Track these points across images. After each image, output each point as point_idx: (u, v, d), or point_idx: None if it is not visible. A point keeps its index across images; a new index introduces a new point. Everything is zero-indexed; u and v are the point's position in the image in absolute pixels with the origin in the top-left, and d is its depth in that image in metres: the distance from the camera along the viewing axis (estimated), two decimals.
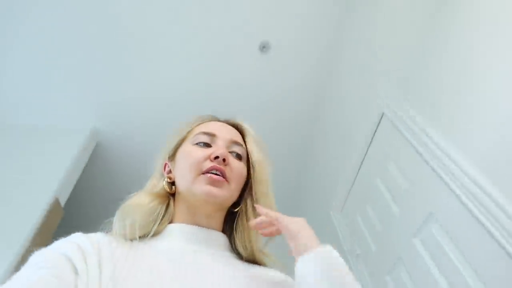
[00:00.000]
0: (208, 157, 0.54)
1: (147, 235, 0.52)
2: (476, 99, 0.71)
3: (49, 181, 1.19)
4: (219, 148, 0.55)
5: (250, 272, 0.53)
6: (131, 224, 0.50)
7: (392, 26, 1.05)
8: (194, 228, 0.54)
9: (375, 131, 1.06)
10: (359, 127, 1.16)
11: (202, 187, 0.51)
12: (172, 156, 0.60)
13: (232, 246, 0.58)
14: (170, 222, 0.55)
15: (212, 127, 0.60)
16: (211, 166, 0.52)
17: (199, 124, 0.62)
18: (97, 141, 1.55)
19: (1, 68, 1.35)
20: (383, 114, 1.01)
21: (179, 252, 0.50)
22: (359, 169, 1.16)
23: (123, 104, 1.50)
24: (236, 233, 0.57)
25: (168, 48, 1.37)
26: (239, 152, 0.58)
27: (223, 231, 0.59)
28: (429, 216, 0.81)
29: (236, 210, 0.58)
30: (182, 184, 0.55)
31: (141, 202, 0.54)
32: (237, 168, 0.56)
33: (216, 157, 0.53)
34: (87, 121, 1.50)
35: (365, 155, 1.12)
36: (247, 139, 0.61)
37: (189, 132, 0.61)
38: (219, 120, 0.64)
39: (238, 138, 0.60)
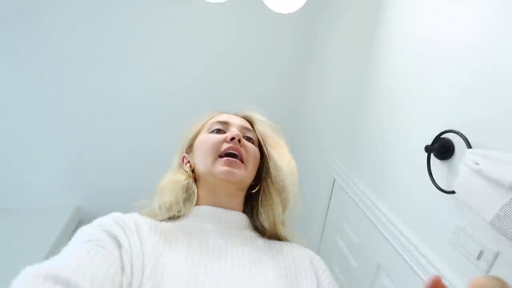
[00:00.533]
0: (225, 140, 0.59)
1: (179, 215, 0.56)
2: (399, 166, 0.90)
3: (29, 260, 1.22)
4: (233, 131, 0.60)
5: (274, 248, 0.57)
6: (175, 200, 0.56)
7: (332, 107, 1.28)
8: (217, 210, 0.57)
9: (331, 194, 1.23)
10: (320, 190, 1.33)
11: (221, 168, 0.55)
12: (190, 148, 0.65)
13: (253, 226, 0.62)
14: (196, 204, 0.59)
15: (225, 117, 0.66)
16: (229, 147, 0.57)
17: (212, 117, 0.67)
18: (80, 218, 1.62)
19: None
20: (334, 180, 1.20)
21: (206, 233, 0.54)
22: (323, 229, 1.31)
23: (105, 181, 1.58)
24: (260, 208, 0.61)
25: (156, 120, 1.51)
26: (251, 137, 0.64)
27: (244, 211, 0.63)
28: (378, 266, 0.95)
29: (254, 191, 0.61)
30: (202, 168, 0.59)
31: (176, 179, 0.59)
32: (251, 149, 0.60)
33: (232, 138, 0.58)
34: (71, 199, 1.58)
35: (326, 216, 1.28)
36: (256, 126, 0.67)
37: (203, 125, 0.66)
38: (227, 112, 0.70)
39: (249, 125, 0.66)
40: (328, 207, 1.26)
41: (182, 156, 0.66)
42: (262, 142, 0.65)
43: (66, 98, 1.38)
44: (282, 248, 0.58)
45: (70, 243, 0.42)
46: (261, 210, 0.61)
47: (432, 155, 0.71)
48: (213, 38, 1.38)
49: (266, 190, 0.62)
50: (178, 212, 0.57)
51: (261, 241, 0.58)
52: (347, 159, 1.14)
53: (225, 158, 0.56)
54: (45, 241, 1.32)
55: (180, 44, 1.37)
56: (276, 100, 1.55)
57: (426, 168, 0.71)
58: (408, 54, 0.84)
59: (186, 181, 0.59)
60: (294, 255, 0.57)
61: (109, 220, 0.47)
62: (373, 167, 0.99)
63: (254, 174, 0.61)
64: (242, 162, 0.58)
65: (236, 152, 0.57)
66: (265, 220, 0.61)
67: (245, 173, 0.58)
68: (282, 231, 0.62)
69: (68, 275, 0.34)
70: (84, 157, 1.51)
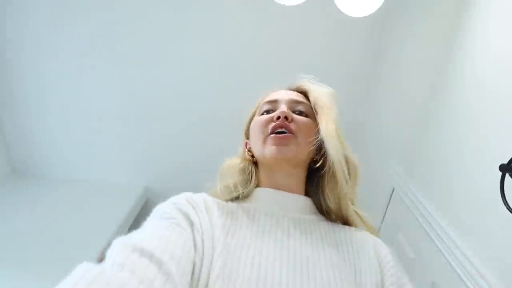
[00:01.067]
0: (272, 120, 0.56)
1: (243, 195, 0.57)
2: (468, 183, 0.85)
3: (101, 234, 1.31)
4: (281, 109, 0.57)
5: (337, 235, 0.54)
6: (234, 183, 0.57)
7: (398, 113, 1.23)
8: (277, 193, 0.56)
9: (388, 203, 1.19)
10: (376, 198, 1.29)
11: (270, 148, 0.54)
12: (248, 133, 0.64)
13: (319, 208, 0.60)
14: (257, 186, 0.59)
15: (274, 94, 0.63)
16: (275, 125, 0.55)
17: (264, 98, 0.65)
18: (147, 197, 1.78)
19: (60, 127, 1.62)
20: (393, 189, 1.16)
21: (268, 216, 0.54)
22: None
23: (173, 165, 1.70)
24: (326, 186, 0.57)
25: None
26: (303, 110, 0.59)
27: (308, 193, 0.60)
28: (432, 285, 0.90)
29: (316, 166, 0.57)
30: (256, 151, 0.58)
31: (233, 163, 0.60)
32: (303, 121, 0.57)
33: (278, 118, 0.55)
34: (140, 179, 1.74)
35: (381, 225, 1.24)
36: (311, 97, 0.61)
37: (256, 108, 0.65)
38: (281, 89, 0.66)
39: (300, 97, 0.62)
40: (384, 216, 1.22)
41: (244, 143, 0.66)
42: (315, 113, 0.60)
43: (142, 89, 1.53)
44: (346, 234, 0.55)
45: (149, 219, 0.46)
46: (327, 189, 0.57)
47: (507, 175, 0.66)
48: (280, 41, 1.42)
49: (329, 165, 0.55)
50: (239, 194, 0.57)
51: (325, 225, 0.56)
52: (409, 168, 1.10)
53: (272, 135, 0.55)
54: (114, 217, 1.43)
55: (244, 45, 1.43)
56: (340, 102, 1.53)
57: (499, 188, 0.66)
58: (490, 66, 0.78)
59: (241, 164, 0.60)
60: (358, 241, 0.54)
61: (182, 199, 0.49)
62: (437, 179, 0.94)
63: (310, 148, 0.56)
64: (293, 135, 0.55)
65: (283, 129, 0.55)
66: (330, 200, 0.57)
67: (297, 148, 0.54)
68: (349, 212, 0.58)
69: (152, 249, 0.37)
70: (154, 140, 1.65)
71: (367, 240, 0.55)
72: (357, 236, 0.56)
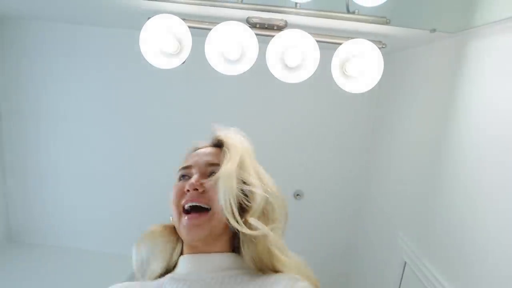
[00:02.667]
0: (183, 192, 0.55)
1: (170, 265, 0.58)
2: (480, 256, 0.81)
3: None
4: (190, 180, 0.55)
5: (256, 285, 0.51)
6: (160, 254, 0.58)
7: (402, 182, 1.23)
8: (195, 256, 0.55)
9: (401, 280, 1.12)
10: (387, 274, 1.22)
11: (184, 230, 0.54)
12: None
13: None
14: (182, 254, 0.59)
15: (190, 159, 0.61)
16: (185, 201, 0.54)
17: (184, 160, 0.63)
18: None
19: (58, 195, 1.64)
20: (405, 263, 1.10)
21: (187, 282, 0.52)
22: None
23: None
24: (243, 250, 0.55)
25: None
26: (215, 171, 0.56)
27: (234, 249, 0.58)
28: None
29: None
30: (175, 224, 0.58)
31: (154, 229, 0.61)
32: (214, 188, 0.54)
33: (188, 190, 0.54)
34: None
35: None
36: (228, 149, 0.59)
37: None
38: (201, 146, 0.64)
39: (214, 157, 0.59)
40: None
41: None
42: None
43: (141, 160, 1.56)
44: (257, 284, 0.51)
45: None
46: (242, 245, 0.55)
47: None
48: (283, 115, 1.49)
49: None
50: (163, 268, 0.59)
51: (242, 279, 0.53)
52: (419, 239, 1.06)
53: (186, 218, 0.53)
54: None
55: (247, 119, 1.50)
56: (342, 177, 1.57)
57: None
58: (489, 130, 0.80)
59: (165, 231, 0.61)
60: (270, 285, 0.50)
61: None
62: (450, 251, 0.90)
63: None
64: (205, 210, 0.54)
65: (195, 204, 0.54)
66: (246, 254, 0.55)
67: (210, 224, 0.53)
68: (270, 260, 0.54)
69: None
70: (154, 213, 1.61)
71: (278, 282, 0.51)
72: (269, 281, 0.52)
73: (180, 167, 0.61)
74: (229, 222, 0.52)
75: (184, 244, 0.59)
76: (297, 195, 1.59)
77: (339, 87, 0.97)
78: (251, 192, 0.55)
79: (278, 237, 0.56)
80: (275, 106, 1.50)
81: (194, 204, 0.54)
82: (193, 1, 0.90)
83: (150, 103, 1.51)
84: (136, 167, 1.55)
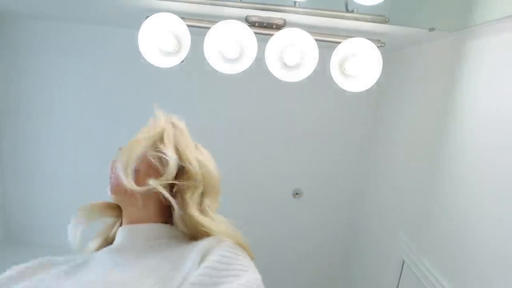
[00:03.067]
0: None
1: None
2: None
3: None
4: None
5: (170, 255, 0.54)
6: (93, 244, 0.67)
7: (401, 182, 1.23)
8: (128, 227, 0.61)
9: (399, 278, 1.13)
10: (385, 272, 1.22)
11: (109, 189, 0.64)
12: None
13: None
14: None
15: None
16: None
17: None
18: None
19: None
20: (404, 261, 1.10)
21: (106, 256, 0.58)
22: None
23: None
24: (174, 219, 0.61)
25: None
26: None
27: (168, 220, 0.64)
28: None
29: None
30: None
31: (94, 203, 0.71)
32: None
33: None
34: None
35: None
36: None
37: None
38: None
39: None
40: None
41: None
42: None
43: None
44: (176, 251, 0.54)
45: None
46: (173, 215, 0.61)
47: None
48: (282, 114, 1.49)
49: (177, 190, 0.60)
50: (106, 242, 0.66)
51: (176, 245, 0.57)
52: (418, 238, 1.06)
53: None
54: None
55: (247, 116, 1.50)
56: (342, 177, 1.57)
57: None
58: (487, 135, 0.80)
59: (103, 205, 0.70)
60: (181, 254, 0.53)
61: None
62: (448, 250, 0.90)
63: (144, 178, 0.59)
64: (113, 172, 0.62)
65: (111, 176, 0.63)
66: (176, 223, 0.61)
67: (118, 180, 0.60)
68: (195, 225, 0.58)
69: None
70: None
71: (200, 243, 0.53)
72: (194, 244, 0.54)
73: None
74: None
75: (122, 218, 0.64)
76: (296, 194, 1.59)
77: (338, 86, 0.97)
78: (164, 159, 0.60)
79: (195, 201, 0.60)
80: (274, 105, 1.50)
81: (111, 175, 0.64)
82: (192, 0, 0.90)
83: (149, 102, 1.49)
84: None
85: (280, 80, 0.96)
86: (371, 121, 1.52)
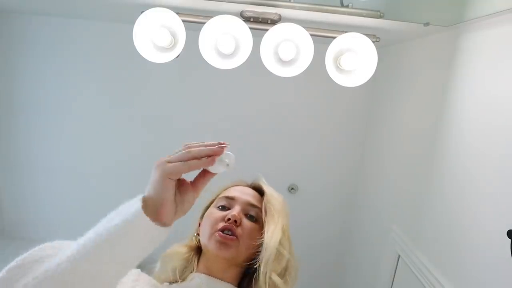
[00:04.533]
0: (223, 219, 0.64)
1: (179, 279, 0.64)
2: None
3: None
4: (232, 211, 0.64)
5: None
6: (172, 269, 0.65)
7: (397, 177, 1.24)
8: (208, 278, 0.63)
9: (395, 273, 1.14)
10: (381, 268, 1.23)
11: (214, 244, 0.61)
12: (202, 217, 0.71)
13: None
14: (193, 271, 0.66)
15: (233, 191, 0.70)
16: (223, 226, 0.62)
17: (225, 189, 0.73)
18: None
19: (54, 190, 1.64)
20: (399, 256, 1.11)
21: None
22: None
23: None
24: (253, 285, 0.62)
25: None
26: (254, 214, 0.67)
27: (241, 285, 0.66)
28: None
29: (254, 266, 0.61)
30: (202, 239, 0.65)
31: (178, 251, 0.68)
32: (249, 228, 0.64)
33: (229, 219, 0.63)
34: None
35: None
36: (265, 196, 0.70)
37: (217, 196, 0.72)
38: (242, 184, 0.75)
39: (255, 199, 0.69)
40: (392, 285, 1.15)
41: (198, 222, 0.72)
42: (264, 216, 0.66)
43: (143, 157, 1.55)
44: None
45: None
46: (253, 285, 0.62)
47: None
48: (277, 109, 1.49)
49: (258, 270, 0.61)
50: (176, 280, 0.64)
51: None
52: (413, 233, 1.07)
53: (219, 232, 0.61)
54: None
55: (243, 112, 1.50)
56: (337, 172, 1.58)
57: (511, 255, 0.64)
58: (481, 129, 0.81)
59: (186, 254, 0.68)
60: None
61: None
62: (443, 244, 0.91)
63: (250, 251, 0.63)
64: (237, 237, 0.61)
65: (229, 233, 0.62)
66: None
67: (236, 251, 0.61)
68: None
69: None
70: None
71: None
72: None
73: (223, 195, 0.69)
74: (249, 266, 0.62)
75: (199, 263, 0.67)
76: (292, 189, 1.59)
77: (333, 81, 0.97)
78: (280, 252, 0.63)
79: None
80: (269, 100, 1.50)
81: (229, 233, 0.62)
82: None
83: (144, 97, 1.49)
84: (131, 161, 1.54)
85: (275, 75, 0.96)
86: (366, 116, 1.52)
